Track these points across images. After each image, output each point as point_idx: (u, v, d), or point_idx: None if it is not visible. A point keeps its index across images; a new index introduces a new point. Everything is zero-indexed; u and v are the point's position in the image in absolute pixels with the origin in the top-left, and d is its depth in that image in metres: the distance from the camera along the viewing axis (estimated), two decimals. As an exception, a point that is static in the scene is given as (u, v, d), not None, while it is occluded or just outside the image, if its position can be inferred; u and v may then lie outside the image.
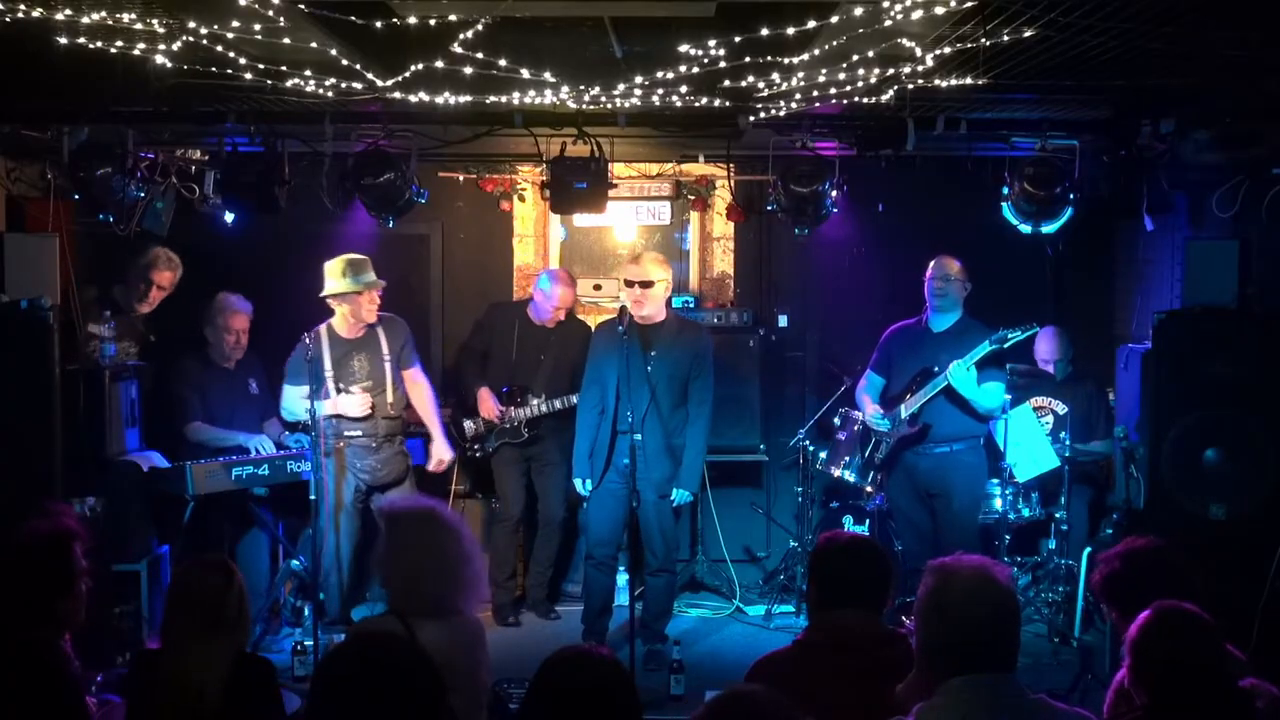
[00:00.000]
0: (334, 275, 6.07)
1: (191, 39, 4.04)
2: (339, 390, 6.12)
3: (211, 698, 3.24)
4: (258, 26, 3.88)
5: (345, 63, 4.38)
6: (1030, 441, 6.45)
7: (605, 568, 6.10)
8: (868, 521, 6.72)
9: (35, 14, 3.80)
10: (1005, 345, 5.92)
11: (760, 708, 2.16)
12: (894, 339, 6.35)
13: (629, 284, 5.87)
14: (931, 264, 6.17)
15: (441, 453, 6.39)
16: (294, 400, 6.18)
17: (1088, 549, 6.24)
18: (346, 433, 6.13)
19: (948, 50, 4.16)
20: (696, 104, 5.06)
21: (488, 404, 6.57)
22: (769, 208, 6.32)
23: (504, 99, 4.93)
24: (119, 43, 4.09)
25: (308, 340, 5.91)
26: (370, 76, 4.53)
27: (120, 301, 6.43)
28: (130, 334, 6.39)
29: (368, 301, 6.12)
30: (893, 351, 6.33)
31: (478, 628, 3.40)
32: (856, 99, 4.96)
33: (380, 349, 6.23)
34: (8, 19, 3.82)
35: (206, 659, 3.29)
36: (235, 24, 3.88)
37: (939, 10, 3.64)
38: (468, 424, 6.69)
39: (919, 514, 6.27)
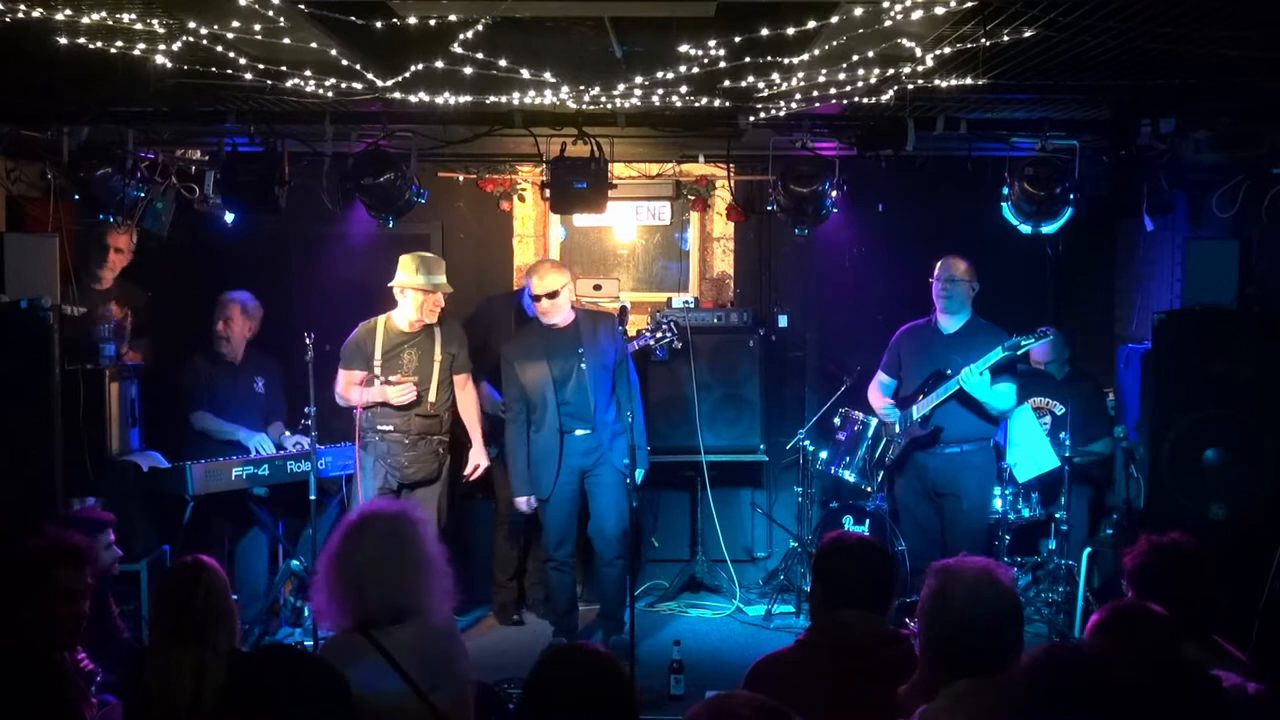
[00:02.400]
0: (407, 269, 6.08)
1: (191, 39, 4.04)
2: (382, 380, 6.09)
3: (206, 697, 3.24)
4: (258, 26, 3.88)
5: (345, 63, 4.38)
6: (1030, 442, 6.44)
7: (566, 567, 6.17)
8: (868, 522, 6.72)
9: (35, 14, 3.80)
10: (1019, 352, 5.91)
11: (748, 715, 2.15)
12: (904, 340, 6.34)
13: (537, 298, 6.02)
14: (938, 265, 6.15)
15: (479, 458, 6.40)
16: (345, 385, 6.14)
17: (1088, 549, 6.25)
18: (380, 426, 6.11)
19: (948, 50, 4.16)
20: (696, 104, 5.06)
21: (492, 398, 6.58)
22: (769, 208, 6.31)
23: (504, 99, 4.93)
24: (119, 43, 4.09)
25: (378, 327, 6.03)
26: (370, 76, 4.52)
27: (87, 281, 6.25)
28: (101, 313, 6.22)
29: (432, 302, 6.13)
30: (903, 352, 6.31)
31: (446, 620, 3.34)
32: (856, 99, 4.96)
33: (433, 348, 6.21)
34: (8, 19, 3.82)
35: (186, 658, 3.28)
36: (235, 24, 3.88)
37: (939, 10, 3.64)
38: None
39: (926, 514, 6.26)
